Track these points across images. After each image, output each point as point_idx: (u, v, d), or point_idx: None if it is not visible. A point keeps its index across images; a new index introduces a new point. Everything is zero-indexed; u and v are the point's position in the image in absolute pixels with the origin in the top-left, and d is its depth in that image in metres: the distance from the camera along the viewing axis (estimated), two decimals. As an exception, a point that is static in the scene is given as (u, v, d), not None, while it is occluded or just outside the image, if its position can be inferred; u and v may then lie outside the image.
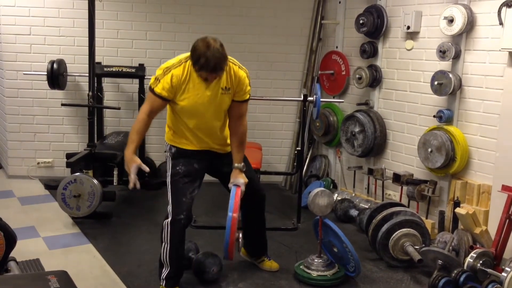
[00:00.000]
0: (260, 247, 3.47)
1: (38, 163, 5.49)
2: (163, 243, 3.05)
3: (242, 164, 3.11)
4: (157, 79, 2.85)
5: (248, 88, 3.03)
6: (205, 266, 3.21)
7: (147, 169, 2.92)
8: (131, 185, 2.95)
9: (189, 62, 2.83)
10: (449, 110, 4.00)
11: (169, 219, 2.99)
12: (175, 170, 3.05)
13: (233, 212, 2.94)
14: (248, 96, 3.06)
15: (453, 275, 3.16)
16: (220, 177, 3.27)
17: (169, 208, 3.02)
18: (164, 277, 3.08)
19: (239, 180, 3.07)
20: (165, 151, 3.20)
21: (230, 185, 3.10)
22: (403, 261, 3.56)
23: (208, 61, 2.68)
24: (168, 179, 3.07)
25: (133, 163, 2.93)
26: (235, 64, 2.97)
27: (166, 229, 3.01)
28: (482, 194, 3.79)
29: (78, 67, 5.23)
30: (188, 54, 2.83)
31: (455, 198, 3.87)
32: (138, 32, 5.40)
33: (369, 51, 4.70)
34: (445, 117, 3.98)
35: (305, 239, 4.05)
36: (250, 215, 3.31)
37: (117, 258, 3.61)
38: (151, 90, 2.88)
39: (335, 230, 3.23)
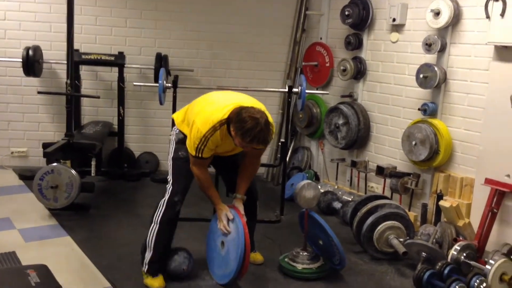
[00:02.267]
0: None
1: (12, 152, 5.32)
2: (152, 224, 3.03)
3: (245, 197, 3.14)
4: (199, 149, 2.88)
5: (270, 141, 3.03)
6: (175, 262, 3.10)
7: (231, 216, 3.03)
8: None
9: (224, 128, 2.84)
10: (434, 103, 4.00)
11: (166, 197, 3.02)
12: (177, 155, 3.07)
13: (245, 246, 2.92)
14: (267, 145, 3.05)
15: (438, 267, 3.16)
16: (218, 165, 3.26)
17: (169, 187, 3.05)
18: (147, 261, 3.04)
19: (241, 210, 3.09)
20: (171, 135, 3.18)
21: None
22: (387, 253, 3.55)
23: (259, 136, 2.71)
24: (170, 162, 3.11)
25: (222, 212, 3.06)
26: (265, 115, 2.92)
27: (160, 208, 3.03)
28: (464, 187, 3.80)
29: (54, 54, 5.07)
30: (219, 116, 2.82)
31: (438, 191, 3.88)
32: (118, 19, 5.26)
33: (354, 43, 4.66)
34: (429, 110, 3.98)
35: (289, 232, 4.01)
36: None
37: (96, 251, 3.51)
38: (197, 157, 2.91)
39: (320, 223, 3.19)
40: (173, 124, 3.22)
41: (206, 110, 2.90)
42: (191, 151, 2.91)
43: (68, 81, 4.16)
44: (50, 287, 2.27)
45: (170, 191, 3.05)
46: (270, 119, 2.92)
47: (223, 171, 3.34)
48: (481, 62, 3.71)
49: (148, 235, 3.06)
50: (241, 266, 2.91)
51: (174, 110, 4.16)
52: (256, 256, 3.40)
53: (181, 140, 3.07)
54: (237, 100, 2.93)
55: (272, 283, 3.15)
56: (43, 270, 2.41)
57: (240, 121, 2.72)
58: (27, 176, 4.88)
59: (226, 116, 2.82)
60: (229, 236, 3.00)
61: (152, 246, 3.03)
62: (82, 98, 5.19)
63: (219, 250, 3.10)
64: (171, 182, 3.07)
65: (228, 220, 3.02)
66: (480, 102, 3.71)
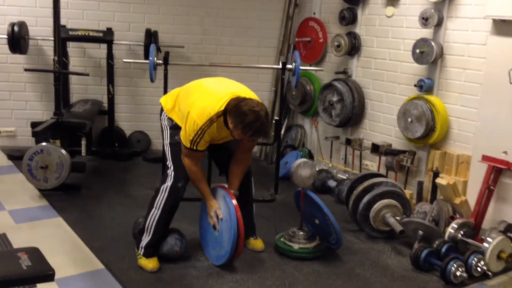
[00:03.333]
0: (247, 229, 3.27)
1: (0, 132, 5.19)
2: (153, 209, 2.97)
3: (237, 192, 3.09)
4: (194, 141, 2.81)
5: None
6: (167, 245, 3.04)
7: (220, 215, 2.99)
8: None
9: (221, 120, 2.78)
10: (430, 79, 3.94)
11: (169, 183, 2.95)
12: (173, 140, 3.00)
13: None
14: None
15: (435, 246, 3.14)
16: (210, 149, 3.17)
17: (170, 172, 2.97)
18: (143, 245, 2.98)
19: None
20: (161, 120, 3.10)
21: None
22: (383, 232, 3.53)
23: (261, 129, 2.68)
24: (167, 147, 3.03)
25: (212, 208, 3.03)
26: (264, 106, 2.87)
27: (162, 194, 2.96)
28: (461, 164, 3.77)
29: (40, 30, 4.92)
30: (216, 108, 2.76)
31: (434, 169, 3.84)
32: (106, -7, 5.10)
33: (348, 18, 4.56)
34: (425, 86, 3.92)
35: (284, 211, 3.97)
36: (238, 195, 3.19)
37: (88, 232, 3.44)
38: (192, 150, 2.84)
39: (317, 202, 3.15)
40: (162, 108, 3.11)
41: (201, 101, 2.82)
42: (186, 143, 2.84)
43: (56, 58, 4.03)
44: (42, 270, 2.19)
45: (172, 176, 2.96)
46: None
47: (216, 154, 3.26)
48: (479, 37, 3.64)
49: (148, 219, 2.99)
50: (236, 248, 2.87)
51: (165, 88, 4.06)
52: (257, 243, 3.29)
53: (174, 126, 2.99)
54: (232, 89, 2.87)
55: (268, 263, 3.12)
56: (34, 253, 2.34)
57: (240, 115, 2.65)
58: (16, 156, 4.77)
59: (223, 108, 2.75)
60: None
61: (151, 231, 2.97)
62: (70, 76, 5.06)
63: (212, 231, 3.05)
64: (172, 168, 2.99)
65: (218, 218, 2.99)
66: (477, 78, 3.65)
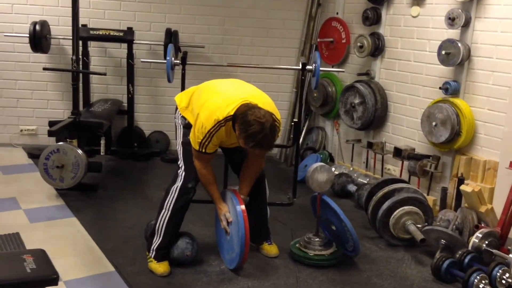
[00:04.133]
0: (261, 234, 3.24)
1: (21, 130, 5.23)
2: (163, 210, 2.92)
3: (248, 198, 3.01)
4: (203, 144, 2.73)
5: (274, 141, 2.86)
6: (178, 249, 2.97)
7: (230, 218, 2.94)
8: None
9: (229, 124, 2.70)
10: (456, 81, 3.78)
11: (179, 184, 2.90)
12: (186, 139, 2.92)
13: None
14: None
15: (458, 256, 3.00)
16: (224, 149, 3.13)
17: (181, 172, 2.92)
18: (155, 247, 2.93)
19: None
20: (175, 118, 3.04)
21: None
22: (403, 240, 3.39)
23: (263, 142, 2.58)
24: (180, 147, 2.97)
25: (221, 212, 2.97)
26: (272, 118, 2.73)
27: (172, 194, 2.91)
28: (487, 170, 3.60)
29: (62, 30, 4.92)
30: (225, 113, 2.67)
31: (459, 175, 3.68)
32: (127, -7, 5.09)
33: (372, 18, 4.43)
34: (451, 89, 3.76)
35: (301, 215, 3.86)
36: (249, 198, 3.09)
37: (102, 233, 3.41)
38: (201, 152, 2.77)
39: (333, 208, 3.04)
40: (176, 106, 3.05)
41: (211, 103, 2.73)
42: (195, 145, 2.77)
43: (74, 57, 4.02)
44: (46, 274, 2.14)
45: (183, 177, 2.91)
46: (278, 116, 2.77)
47: (230, 156, 3.18)
48: (508, 38, 3.47)
49: (158, 221, 2.94)
50: (243, 250, 2.79)
51: (183, 88, 4.01)
52: (271, 249, 3.19)
53: (188, 125, 2.92)
54: (245, 94, 2.76)
55: (282, 270, 3.02)
56: (40, 255, 2.30)
57: (245, 124, 2.57)
58: (36, 154, 4.77)
59: (232, 113, 2.66)
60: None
61: (162, 233, 2.92)
62: (90, 75, 5.06)
63: (225, 234, 2.99)
64: (183, 168, 2.93)
65: (228, 222, 2.92)
66: (506, 81, 3.49)
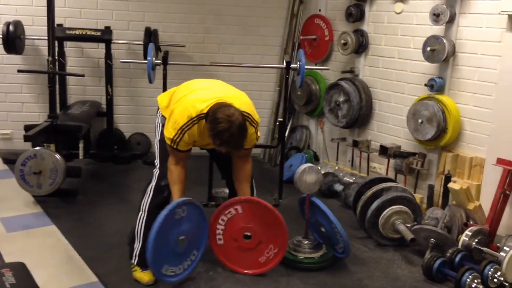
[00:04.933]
0: None
1: (-4, 135, 5.07)
2: (140, 212, 2.83)
3: None
4: (174, 141, 2.66)
5: (254, 142, 2.81)
6: None
7: None
8: None
9: (203, 122, 2.63)
10: (441, 78, 3.75)
11: (153, 183, 2.83)
12: (163, 137, 2.81)
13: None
14: (251, 146, 2.82)
15: (448, 255, 2.96)
16: (213, 155, 3.07)
17: (155, 171, 2.86)
18: (137, 253, 2.83)
19: None
20: (156, 117, 2.95)
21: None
22: (393, 239, 3.35)
23: (230, 140, 2.51)
24: (157, 145, 2.89)
25: None
26: (247, 120, 2.67)
27: (147, 194, 2.84)
28: (474, 167, 3.58)
29: (37, 30, 4.77)
30: (198, 110, 2.61)
31: (446, 172, 3.66)
32: (104, -9, 4.94)
33: (355, 15, 4.38)
34: (436, 86, 3.73)
35: (288, 217, 3.72)
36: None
37: (83, 241, 3.28)
38: (173, 148, 2.69)
39: (323, 210, 2.98)
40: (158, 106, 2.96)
41: (185, 99, 2.67)
42: (167, 140, 2.70)
43: (50, 58, 3.87)
44: (27, 289, 2.04)
45: (157, 175, 2.85)
46: (255, 117, 2.71)
47: (217, 158, 3.10)
48: (493, 34, 3.45)
49: (137, 224, 2.86)
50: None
51: (164, 89, 3.91)
52: None
53: None
54: (222, 93, 2.70)
55: (272, 275, 2.94)
56: (20, 270, 2.19)
57: (213, 121, 2.51)
58: (11, 160, 4.60)
59: (205, 110, 2.59)
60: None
61: (141, 236, 2.83)
62: (67, 76, 4.90)
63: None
64: (158, 165, 2.87)
65: None
66: (492, 77, 3.46)
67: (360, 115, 4.38)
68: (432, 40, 3.68)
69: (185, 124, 2.61)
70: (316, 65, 4.91)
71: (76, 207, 3.82)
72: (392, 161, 4.04)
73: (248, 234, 2.87)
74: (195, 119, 2.61)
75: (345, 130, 4.63)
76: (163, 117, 2.86)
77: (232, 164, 2.91)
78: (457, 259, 2.93)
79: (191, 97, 2.67)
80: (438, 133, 3.68)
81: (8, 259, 2.98)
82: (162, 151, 2.83)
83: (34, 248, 3.17)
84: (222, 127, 2.47)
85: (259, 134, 2.81)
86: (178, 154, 2.73)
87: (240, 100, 2.70)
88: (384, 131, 4.34)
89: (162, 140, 2.84)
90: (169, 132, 2.67)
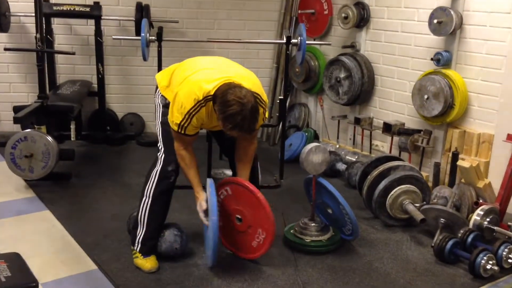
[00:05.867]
0: None
1: (-18, 117, 4.87)
2: (144, 198, 2.69)
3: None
4: (182, 126, 2.49)
5: (261, 123, 2.60)
6: (166, 242, 2.73)
7: (204, 206, 2.65)
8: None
9: (210, 104, 2.45)
10: (448, 52, 3.61)
11: (158, 168, 2.67)
12: (165, 119, 2.65)
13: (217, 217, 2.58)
14: (258, 127, 2.61)
15: (460, 235, 2.87)
16: (216, 136, 2.91)
17: (160, 155, 2.70)
18: (140, 239, 2.70)
19: None
20: (155, 97, 2.78)
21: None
22: (401, 220, 3.25)
23: (242, 124, 2.33)
24: (159, 127, 2.72)
25: (197, 200, 2.69)
26: (256, 101, 2.46)
27: (152, 179, 2.68)
28: (482, 144, 3.48)
29: (22, 6, 4.56)
30: (205, 91, 2.42)
31: (454, 149, 3.55)
32: (92, -36, 4.70)
33: (356, -13, 4.21)
34: (443, 60, 3.59)
35: (291, 198, 3.68)
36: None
37: (79, 226, 3.14)
38: (181, 134, 2.53)
39: (330, 191, 2.86)
40: (157, 85, 2.79)
41: (190, 81, 2.48)
42: (173, 126, 2.52)
43: (38, 36, 3.67)
44: (24, 282, 1.92)
45: (162, 160, 2.68)
46: (264, 97, 2.54)
47: (218, 137, 2.95)
48: (503, 4, 3.30)
49: (140, 210, 2.71)
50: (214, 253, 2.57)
51: (159, 67, 3.73)
52: None
53: (168, 104, 2.64)
54: (229, 72, 2.51)
55: (278, 259, 2.83)
56: (15, 261, 2.06)
57: (223, 104, 2.33)
58: (1, 142, 4.44)
59: (212, 92, 2.41)
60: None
61: (145, 222, 2.69)
62: (56, 55, 4.70)
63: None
64: (162, 150, 2.70)
65: (204, 210, 2.66)
66: (501, 49, 3.33)
67: (362, 91, 4.24)
68: (438, 12, 3.53)
69: (192, 108, 2.43)
70: (314, 40, 4.74)
71: (70, 191, 3.67)
72: (395, 138, 3.92)
73: (239, 216, 2.73)
74: (202, 101, 2.43)
75: (345, 107, 4.49)
76: (163, 97, 2.69)
77: (235, 144, 2.76)
78: (469, 239, 2.84)
79: (195, 78, 2.48)
80: (445, 109, 3.56)
81: (0, 247, 2.84)
82: (165, 134, 2.67)
83: (27, 235, 3.03)
84: (233, 110, 2.30)
85: (267, 115, 2.64)
86: (185, 139, 2.56)
87: (249, 80, 2.52)
88: (386, 107, 4.21)
89: (163, 123, 2.67)
90: (176, 117, 2.49)
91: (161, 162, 2.68)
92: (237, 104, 2.30)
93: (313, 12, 4.70)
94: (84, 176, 3.95)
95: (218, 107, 2.36)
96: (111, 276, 2.61)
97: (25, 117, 3.49)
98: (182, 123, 2.48)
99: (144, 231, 2.69)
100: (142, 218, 2.70)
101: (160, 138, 2.71)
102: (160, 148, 2.71)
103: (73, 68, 4.92)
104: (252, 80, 2.55)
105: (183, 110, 2.45)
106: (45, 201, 3.47)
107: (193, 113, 2.45)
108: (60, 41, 4.80)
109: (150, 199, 2.67)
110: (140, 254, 2.69)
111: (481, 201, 3.22)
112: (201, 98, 2.43)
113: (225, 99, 2.32)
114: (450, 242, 2.79)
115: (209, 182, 2.69)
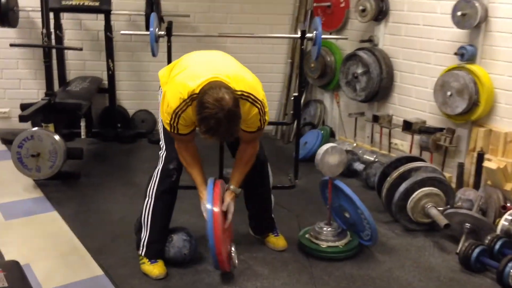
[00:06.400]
0: (265, 225, 2.91)
1: (-7, 113, 4.79)
2: (146, 199, 2.59)
3: (240, 189, 2.60)
4: (172, 125, 2.37)
5: (258, 124, 2.43)
6: (174, 247, 2.61)
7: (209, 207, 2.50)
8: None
9: (195, 103, 2.28)
10: (472, 46, 3.42)
11: (160, 166, 2.60)
12: None
13: (212, 204, 2.43)
14: (256, 129, 2.46)
15: (487, 242, 2.69)
16: None
17: (162, 154, 2.62)
18: (144, 242, 2.58)
19: (230, 207, 2.53)
20: (159, 95, 2.65)
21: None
22: (422, 224, 3.08)
23: (216, 128, 2.16)
24: (160, 124, 2.60)
25: (201, 201, 2.55)
26: (248, 100, 2.34)
27: (154, 179, 2.58)
28: (509, 143, 3.28)
29: (30, 1, 4.44)
30: (190, 90, 2.27)
31: (479, 149, 3.36)
32: (101, -43, 4.58)
33: (375, -22, 4.02)
34: (467, 55, 3.41)
35: (306, 199, 3.53)
36: (250, 186, 2.75)
37: (87, 229, 3.04)
38: (175, 133, 2.42)
39: (348, 194, 2.70)
40: None
41: (177, 79, 2.35)
42: (166, 126, 2.40)
43: (44, 31, 3.56)
44: (21, 293, 1.79)
45: (163, 158, 2.58)
46: (259, 96, 2.35)
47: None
48: (532, -4, 3.11)
49: (143, 211, 2.61)
50: (214, 254, 2.43)
51: (169, 62, 3.58)
52: (278, 241, 2.84)
53: None
54: (218, 70, 2.33)
55: (293, 265, 2.68)
56: (13, 269, 1.94)
57: (199, 105, 2.18)
58: (10, 140, 4.34)
59: (197, 90, 2.24)
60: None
61: (148, 224, 2.58)
62: (66, 51, 4.60)
63: None
64: (164, 147, 2.60)
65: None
66: (530, 43, 3.15)
67: (380, 87, 4.06)
68: (462, 4, 3.34)
69: (178, 107, 2.29)
70: (330, 34, 4.57)
71: (78, 191, 3.57)
72: (416, 137, 3.75)
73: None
74: (188, 100, 2.28)
75: (363, 104, 4.32)
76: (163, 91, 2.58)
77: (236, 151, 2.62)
78: (497, 246, 2.67)
79: (181, 76, 2.34)
80: (470, 106, 3.37)
81: (5, 249, 2.75)
82: (166, 132, 2.53)
83: (34, 237, 2.93)
84: (207, 113, 2.13)
85: (267, 118, 2.44)
86: (181, 138, 2.44)
87: (241, 79, 2.34)
88: (406, 104, 4.02)
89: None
90: (165, 117, 2.37)
91: (162, 161, 2.58)
92: (213, 107, 2.12)
93: (329, 5, 4.53)
94: (93, 175, 3.85)
95: (195, 107, 2.22)
96: (117, 282, 2.49)
97: (31, 115, 3.38)
98: (171, 123, 2.36)
99: (148, 233, 2.58)
100: (145, 220, 2.59)
101: (161, 136, 2.62)
102: (162, 146, 2.61)
103: (83, 64, 4.82)
104: (243, 78, 2.36)
105: (169, 110, 2.33)
106: (53, 202, 3.38)
107: (179, 112, 2.31)
108: (70, 36, 4.70)
109: (153, 199, 2.57)
110: (147, 260, 2.57)
111: (509, 205, 3.03)
112: (186, 97, 2.28)
113: (202, 100, 2.17)
114: (477, 250, 2.62)
115: (210, 180, 2.56)
